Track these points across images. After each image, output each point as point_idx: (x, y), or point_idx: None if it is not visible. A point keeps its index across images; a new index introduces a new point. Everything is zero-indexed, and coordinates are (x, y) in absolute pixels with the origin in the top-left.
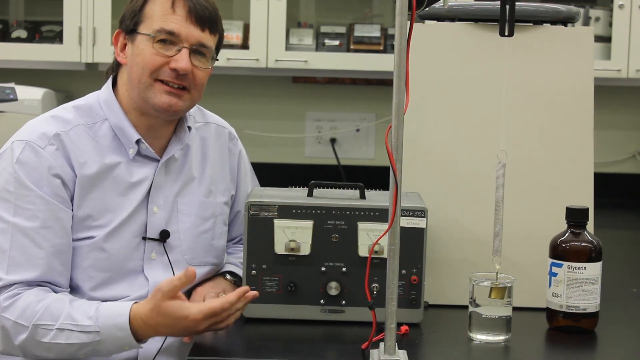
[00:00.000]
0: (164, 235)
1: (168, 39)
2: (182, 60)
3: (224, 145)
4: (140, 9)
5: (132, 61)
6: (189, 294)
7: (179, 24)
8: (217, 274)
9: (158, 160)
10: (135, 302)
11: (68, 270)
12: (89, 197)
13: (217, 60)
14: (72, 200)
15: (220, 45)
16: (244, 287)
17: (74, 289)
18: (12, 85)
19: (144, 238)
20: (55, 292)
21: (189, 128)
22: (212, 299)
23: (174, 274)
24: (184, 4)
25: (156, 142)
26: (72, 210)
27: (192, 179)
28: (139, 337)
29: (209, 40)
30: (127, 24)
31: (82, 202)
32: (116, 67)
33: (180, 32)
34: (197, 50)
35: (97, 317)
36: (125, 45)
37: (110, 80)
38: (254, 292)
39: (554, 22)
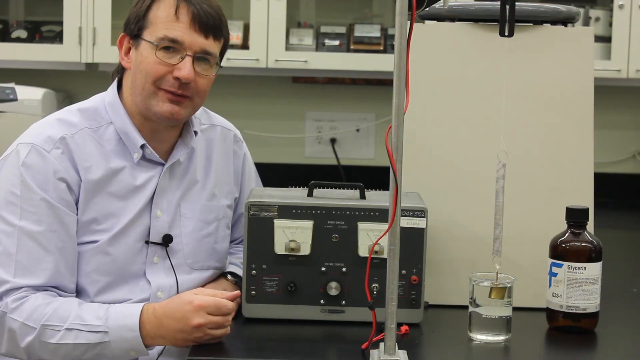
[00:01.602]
0: (167, 240)
1: (171, 46)
2: (185, 68)
3: (229, 148)
4: (144, 14)
5: (135, 68)
6: None
7: (182, 32)
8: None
9: (162, 164)
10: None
11: (74, 275)
12: (93, 201)
13: (222, 67)
14: (77, 204)
15: (225, 49)
16: (237, 292)
17: (78, 293)
18: (12, 85)
19: (147, 242)
20: (62, 296)
21: (195, 132)
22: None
23: (175, 278)
24: (188, 10)
25: (161, 146)
26: (76, 214)
27: (195, 182)
28: (147, 340)
29: (213, 47)
30: (132, 29)
31: (87, 207)
32: (122, 69)
33: (184, 40)
34: (200, 57)
35: (107, 317)
36: (129, 49)
37: (115, 83)
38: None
39: (554, 22)
